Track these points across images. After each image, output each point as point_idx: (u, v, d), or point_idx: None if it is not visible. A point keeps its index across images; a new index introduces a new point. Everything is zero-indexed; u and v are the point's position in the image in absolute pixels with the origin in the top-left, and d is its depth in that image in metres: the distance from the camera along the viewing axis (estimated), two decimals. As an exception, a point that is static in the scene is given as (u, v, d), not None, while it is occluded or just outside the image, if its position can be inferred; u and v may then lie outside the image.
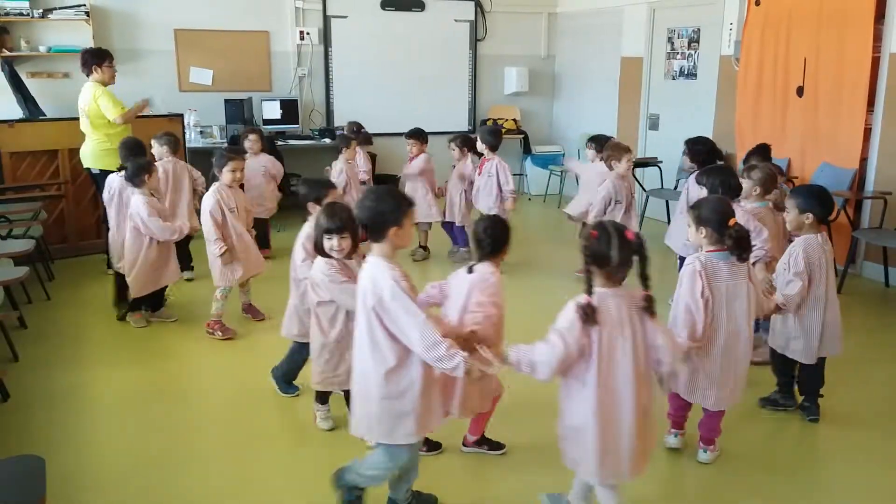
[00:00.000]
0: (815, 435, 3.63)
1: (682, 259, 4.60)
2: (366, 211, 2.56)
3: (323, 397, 3.63)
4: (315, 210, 3.56)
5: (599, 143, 6.21)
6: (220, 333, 4.75)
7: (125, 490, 3.13)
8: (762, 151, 5.19)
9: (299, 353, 3.83)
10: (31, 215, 5.82)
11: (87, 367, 4.35)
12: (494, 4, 9.29)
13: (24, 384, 4.08)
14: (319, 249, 3.10)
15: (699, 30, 7.67)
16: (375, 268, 2.51)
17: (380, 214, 2.54)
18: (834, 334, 3.60)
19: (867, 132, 6.04)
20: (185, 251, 5.87)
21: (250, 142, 6.58)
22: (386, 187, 2.84)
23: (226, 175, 4.71)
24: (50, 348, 4.61)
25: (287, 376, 3.98)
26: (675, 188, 7.65)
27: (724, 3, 7.22)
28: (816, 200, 3.52)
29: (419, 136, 6.52)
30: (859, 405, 3.92)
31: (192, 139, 7.71)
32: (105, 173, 5.60)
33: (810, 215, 3.51)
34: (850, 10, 5.97)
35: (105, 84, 5.93)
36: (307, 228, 3.61)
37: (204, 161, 7.58)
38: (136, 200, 4.68)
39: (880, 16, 5.82)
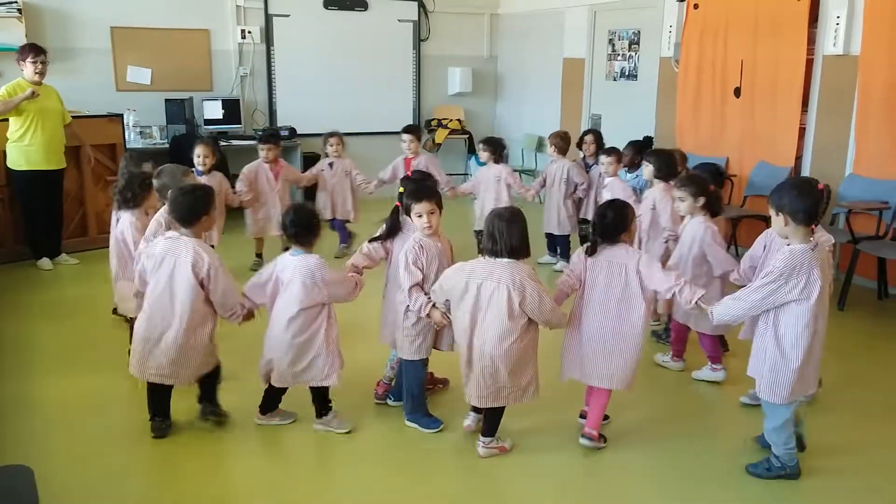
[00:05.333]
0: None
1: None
2: None
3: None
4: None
5: (493, 145, 6.34)
6: None
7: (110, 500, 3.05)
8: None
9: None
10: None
11: (36, 375, 4.19)
12: (437, 5, 9.32)
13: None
14: None
15: (639, 32, 7.86)
16: None
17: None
18: None
19: (802, 131, 6.29)
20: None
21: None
22: None
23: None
24: (-8, 357, 4.43)
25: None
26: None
27: (664, 7, 7.42)
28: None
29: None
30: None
31: (132, 140, 7.50)
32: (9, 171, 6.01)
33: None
34: (785, 15, 6.21)
35: (32, 82, 5.86)
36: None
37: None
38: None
39: (814, 20, 6.07)
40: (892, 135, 5.58)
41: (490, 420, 3.37)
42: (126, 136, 7.12)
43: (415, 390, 3.62)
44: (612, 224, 3.31)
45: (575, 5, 8.47)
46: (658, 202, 4.68)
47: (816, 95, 6.14)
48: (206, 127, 8.10)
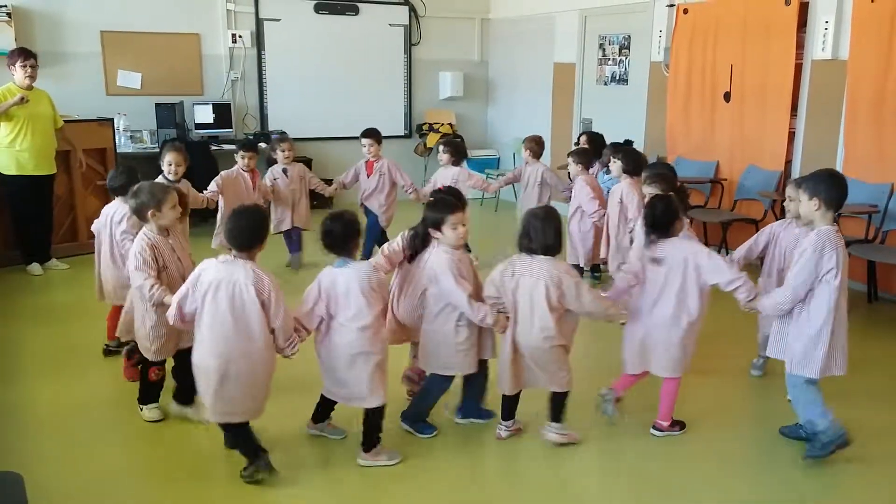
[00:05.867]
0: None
1: None
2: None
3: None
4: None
5: (453, 147, 6.40)
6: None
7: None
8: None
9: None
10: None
11: (26, 380, 4.17)
12: (428, 9, 9.34)
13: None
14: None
15: (629, 37, 7.90)
16: None
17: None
18: None
19: (791, 135, 6.34)
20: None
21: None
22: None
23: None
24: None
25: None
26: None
27: (654, 11, 7.46)
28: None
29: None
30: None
31: (123, 144, 7.48)
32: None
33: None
34: (774, 19, 6.26)
35: (23, 86, 5.87)
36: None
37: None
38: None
39: (802, 24, 6.12)
40: (880, 139, 5.63)
41: (555, 405, 3.47)
42: (116, 141, 7.10)
43: (431, 402, 3.62)
44: (663, 215, 3.46)
45: (565, 10, 8.50)
46: (625, 195, 4.99)
47: (805, 100, 6.19)
48: (196, 131, 8.08)
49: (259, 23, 8.52)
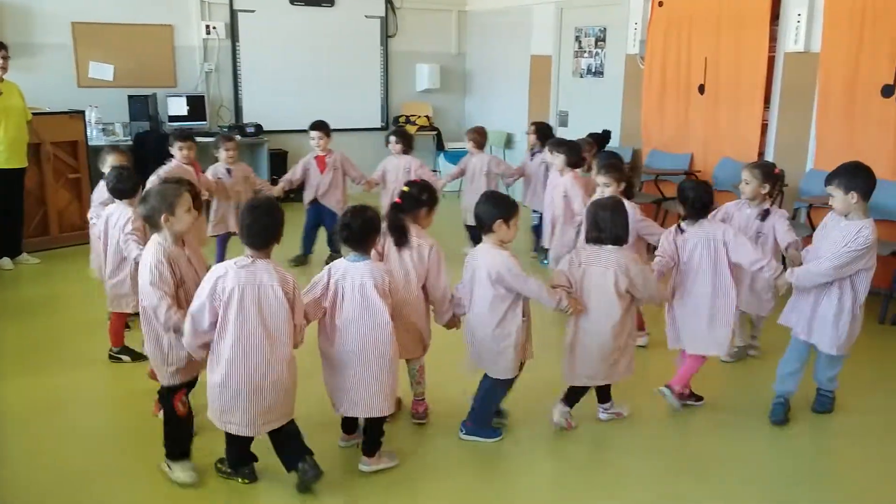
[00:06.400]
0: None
1: None
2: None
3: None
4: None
5: (403, 136, 6.41)
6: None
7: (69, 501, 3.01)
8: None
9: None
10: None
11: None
12: (405, 1, 9.30)
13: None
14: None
15: (605, 29, 7.91)
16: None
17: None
18: None
19: (764, 127, 6.38)
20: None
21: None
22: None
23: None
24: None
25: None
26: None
27: (629, 4, 7.47)
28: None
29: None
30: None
31: (95, 137, 7.38)
32: None
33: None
34: (748, 12, 6.29)
35: None
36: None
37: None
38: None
39: (775, 17, 6.15)
40: (851, 131, 5.68)
41: (603, 388, 3.61)
42: (88, 133, 7.00)
43: (493, 408, 3.54)
44: (703, 197, 3.62)
45: (542, 2, 8.49)
46: (569, 189, 5.02)
47: (778, 92, 6.22)
48: (170, 123, 8.00)
49: (233, 14, 8.44)
